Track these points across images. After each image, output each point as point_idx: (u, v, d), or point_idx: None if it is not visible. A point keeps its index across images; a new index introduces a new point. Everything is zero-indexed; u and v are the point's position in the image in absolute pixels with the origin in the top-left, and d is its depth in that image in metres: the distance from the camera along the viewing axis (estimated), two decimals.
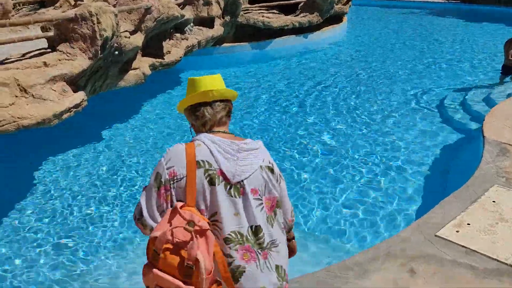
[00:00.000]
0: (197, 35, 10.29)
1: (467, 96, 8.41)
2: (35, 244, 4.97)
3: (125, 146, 7.22)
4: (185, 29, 9.96)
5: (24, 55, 5.88)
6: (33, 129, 5.26)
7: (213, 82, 1.94)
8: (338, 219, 5.27)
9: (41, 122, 5.25)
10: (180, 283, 1.64)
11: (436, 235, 3.75)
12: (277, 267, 1.86)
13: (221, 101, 1.94)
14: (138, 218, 1.82)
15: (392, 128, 7.65)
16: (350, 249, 4.69)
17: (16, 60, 5.62)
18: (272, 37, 12.72)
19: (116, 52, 7.09)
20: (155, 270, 1.69)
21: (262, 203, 1.83)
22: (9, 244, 4.96)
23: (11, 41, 5.54)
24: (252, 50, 12.45)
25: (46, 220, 5.38)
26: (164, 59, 8.92)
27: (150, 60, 8.60)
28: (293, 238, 2.19)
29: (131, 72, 7.86)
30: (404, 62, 11.73)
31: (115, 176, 6.30)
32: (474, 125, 7.48)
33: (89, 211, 5.52)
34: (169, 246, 1.67)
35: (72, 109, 5.69)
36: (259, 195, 1.83)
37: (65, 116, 5.52)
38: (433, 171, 6.30)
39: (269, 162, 1.91)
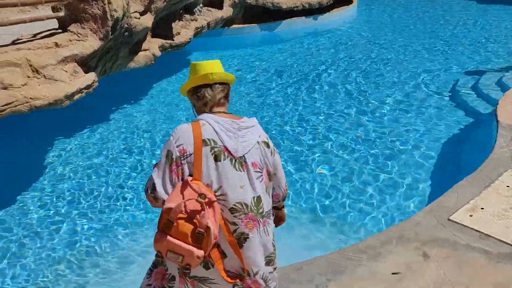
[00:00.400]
0: (206, 16, 10.20)
1: (479, 80, 8.30)
2: (49, 223, 5.03)
3: (134, 127, 7.23)
4: (194, 10, 9.87)
5: (35, 35, 5.86)
6: (45, 110, 5.27)
7: (213, 67, 2.09)
8: (349, 202, 5.27)
9: (53, 103, 5.26)
10: (193, 247, 1.84)
11: (449, 219, 3.74)
12: (271, 233, 2.10)
13: (220, 83, 2.11)
14: (151, 191, 1.97)
15: (402, 111, 7.59)
16: (362, 232, 4.70)
17: (28, 41, 5.59)
18: (281, 18, 12.57)
19: (126, 33, 7.05)
20: (168, 237, 1.86)
21: (261, 175, 2.03)
22: (23, 224, 5.02)
23: (22, 21, 5.51)
24: (261, 32, 12.33)
25: (60, 199, 5.44)
26: (173, 40, 8.87)
27: (160, 41, 8.56)
28: (283, 207, 2.45)
29: (141, 53, 7.82)
30: (415, 44, 11.58)
31: (125, 156, 6.33)
32: (486, 109, 7.41)
33: (101, 191, 5.57)
34: (182, 215, 1.86)
35: (83, 90, 5.69)
36: (259, 168, 2.02)
37: (76, 97, 5.52)
38: (445, 155, 6.27)
39: (265, 138, 2.11)
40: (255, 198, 1.98)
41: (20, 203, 5.39)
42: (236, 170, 1.95)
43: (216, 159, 1.94)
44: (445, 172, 5.81)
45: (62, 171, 6.04)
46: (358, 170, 5.89)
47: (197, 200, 1.84)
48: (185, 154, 1.93)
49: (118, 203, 5.35)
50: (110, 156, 6.39)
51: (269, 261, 2.08)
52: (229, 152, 1.96)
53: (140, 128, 7.18)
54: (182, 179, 1.94)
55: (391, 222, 4.80)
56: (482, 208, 3.86)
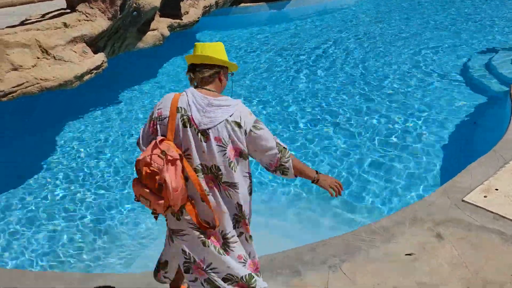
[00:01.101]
0: None
1: (493, 59, 8.14)
2: (62, 200, 5.09)
3: (142, 108, 7.22)
4: None
5: (43, 15, 5.81)
6: (56, 91, 5.27)
7: (203, 49, 2.31)
8: (360, 182, 5.25)
9: (63, 84, 5.25)
10: (154, 195, 2.17)
11: (463, 200, 3.72)
12: (238, 204, 2.31)
13: (208, 65, 2.30)
14: (137, 143, 2.41)
15: (414, 91, 7.48)
16: (375, 212, 4.69)
17: (36, 21, 5.55)
18: None
19: (135, 13, 6.97)
20: (139, 183, 2.23)
21: (224, 150, 2.21)
22: (35, 200, 5.08)
23: (30, 1, 5.46)
24: (270, 10, 12.15)
25: (70, 178, 5.48)
26: (182, 19, 8.77)
27: (168, 21, 8.47)
28: (315, 179, 2.42)
29: (149, 33, 7.75)
30: (427, 21, 11.35)
31: (133, 138, 6.35)
32: (500, 88, 7.29)
33: (112, 170, 5.60)
34: (149, 168, 2.17)
35: (93, 71, 5.66)
36: (223, 143, 2.20)
37: (86, 78, 5.50)
38: (458, 135, 6.19)
39: (239, 118, 2.22)
40: (214, 166, 2.23)
41: (38, 178, 5.46)
42: (199, 140, 2.21)
43: (184, 125, 2.21)
44: (458, 152, 5.75)
45: (72, 151, 6.08)
46: (366, 150, 5.85)
47: (159, 156, 2.15)
48: (160, 116, 2.26)
49: (127, 182, 5.38)
50: (119, 139, 6.40)
51: (236, 222, 2.35)
52: (194, 123, 2.21)
53: (148, 109, 7.17)
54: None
55: (402, 202, 4.79)
56: (497, 189, 3.82)
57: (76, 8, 5.97)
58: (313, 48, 9.72)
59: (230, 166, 2.23)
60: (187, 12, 8.89)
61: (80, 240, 4.56)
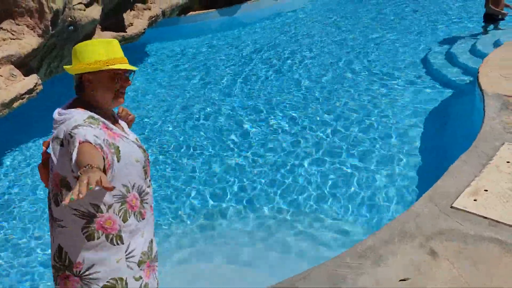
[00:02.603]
0: (160, 3, 9.50)
1: (452, 49, 7.98)
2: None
3: None
4: None
5: None
6: None
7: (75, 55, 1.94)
8: (331, 194, 4.82)
9: None
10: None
11: (452, 207, 3.32)
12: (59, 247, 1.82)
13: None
14: None
15: (374, 92, 7.16)
16: (354, 230, 4.25)
17: None
18: (241, 1, 11.97)
19: (71, 27, 6.33)
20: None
21: (51, 165, 1.83)
22: None
23: None
24: (221, 17, 11.70)
25: None
26: (126, 32, 8.17)
27: (111, 34, 7.85)
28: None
29: None
30: (381, 18, 11.19)
31: None
32: (464, 78, 7.09)
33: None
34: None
35: (24, 96, 4.99)
36: (51, 167, 1.84)
37: (16, 104, 4.83)
38: (427, 131, 5.90)
39: (63, 135, 1.77)
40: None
41: None
42: None
43: None
44: (432, 152, 5.43)
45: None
46: (329, 166, 5.44)
47: None
48: None
49: None
50: None
51: (55, 271, 1.91)
52: None
53: None
54: None
55: (386, 217, 4.37)
56: (486, 190, 3.46)
57: (0, 26, 5.28)
58: (271, 53, 9.31)
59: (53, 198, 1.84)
60: (132, 24, 8.29)
61: None
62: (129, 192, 1.86)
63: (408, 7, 11.81)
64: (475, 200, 3.36)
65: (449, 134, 5.84)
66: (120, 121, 2.06)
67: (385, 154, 5.45)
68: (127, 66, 1.90)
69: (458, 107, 6.33)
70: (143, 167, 1.95)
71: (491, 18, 8.52)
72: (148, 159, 2.02)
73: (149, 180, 2.02)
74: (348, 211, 4.56)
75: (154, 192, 4.75)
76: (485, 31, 8.51)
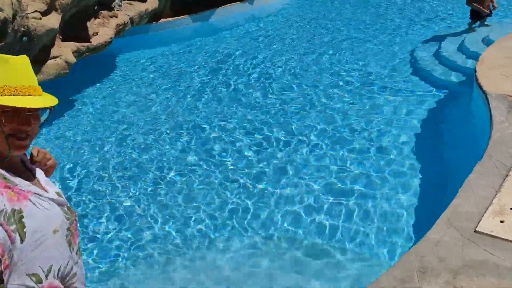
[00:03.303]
0: (128, 10, 8.86)
1: (440, 48, 7.57)
2: None
3: (53, 149, 5.87)
4: (113, 5, 8.50)
5: None
6: None
7: None
8: (327, 222, 4.28)
9: None
10: None
11: (476, 231, 2.81)
12: None
13: None
14: None
15: (360, 100, 6.64)
16: (366, 265, 3.69)
17: None
18: (214, 6, 11.40)
19: (25, 38, 5.65)
20: None
21: None
22: None
23: None
24: (194, 23, 11.09)
25: None
26: (90, 42, 7.49)
27: (74, 45, 7.17)
28: None
29: (50, 61, 6.43)
30: (362, 20, 10.77)
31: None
32: (454, 79, 6.68)
33: None
34: None
35: None
36: None
37: None
38: (425, 139, 5.42)
39: None
40: None
41: None
42: None
43: None
44: (431, 159, 4.95)
45: None
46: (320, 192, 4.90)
47: None
48: None
49: None
50: None
51: None
52: None
53: (60, 153, 5.83)
54: None
55: (399, 247, 3.83)
56: None
57: None
58: (248, 59, 8.76)
59: None
60: (97, 33, 7.63)
61: None
62: (42, 283, 1.26)
63: (390, 8, 11.45)
64: (501, 221, 2.86)
65: (446, 141, 5.38)
66: (35, 169, 1.46)
67: (379, 169, 4.93)
68: (26, 102, 1.29)
69: (453, 111, 5.89)
70: (66, 237, 1.36)
71: (477, 15, 8.17)
72: (75, 221, 1.43)
73: (78, 251, 1.43)
74: (349, 241, 4.01)
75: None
76: (471, 28, 8.15)
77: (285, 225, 4.24)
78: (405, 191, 4.50)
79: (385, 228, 4.05)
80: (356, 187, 4.63)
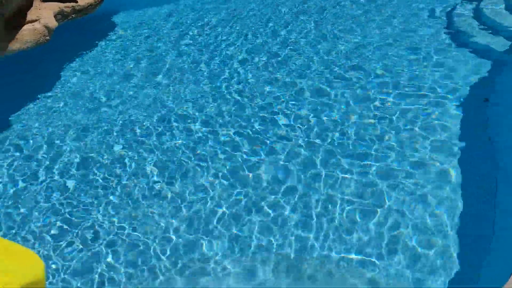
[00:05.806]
0: None
1: (480, 4, 6.51)
2: None
3: (37, 142, 5.07)
4: None
5: None
6: None
7: None
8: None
9: None
10: None
11: None
12: None
13: None
14: None
15: (380, 77, 5.74)
16: None
17: None
18: None
19: None
20: None
21: None
22: None
23: None
24: None
25: None
26: (77, 2, 6.52)
27: (56, 6, 6.21)
28: None
29: (25, 27, 5.50)
30: None
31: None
32: (500, 43, 5.71)
33: None
34: None
35: None
36: None
37: None
38: (465, 119, 4.55)
39: None
40: None
41: None
42: None
43: None
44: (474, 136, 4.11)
45: None
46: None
47: None
48: None
49: None
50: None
51: None
52: None
53: (48, 148, 5.02)
54: None
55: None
56: None
57: None
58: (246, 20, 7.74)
59: None
60: None
61: None
62: None
63: None
64: None
65: (495, 124, 4.52)
66: None
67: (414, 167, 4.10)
68: None
69: (505, 85, 4.98)
70: None
71: None
72: None
73: None
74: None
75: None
76: None
77: None
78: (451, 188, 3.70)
79: None
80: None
